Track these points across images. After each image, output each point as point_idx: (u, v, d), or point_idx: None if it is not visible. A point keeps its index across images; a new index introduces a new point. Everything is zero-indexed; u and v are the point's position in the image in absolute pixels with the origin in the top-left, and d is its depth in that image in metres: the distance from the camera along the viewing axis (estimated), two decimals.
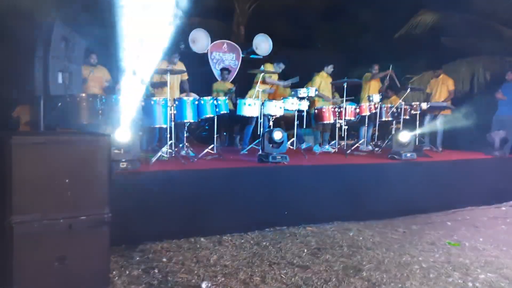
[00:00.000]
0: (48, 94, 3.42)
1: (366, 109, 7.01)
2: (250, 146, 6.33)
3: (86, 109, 5.18)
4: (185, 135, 5.65)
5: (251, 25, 10.92)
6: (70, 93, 4.27)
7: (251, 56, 9.72)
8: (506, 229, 4.95)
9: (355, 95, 8.06)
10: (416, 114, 7.12)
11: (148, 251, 3.69)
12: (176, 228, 4.07)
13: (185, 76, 6.67)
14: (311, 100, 7.23)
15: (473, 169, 6.28)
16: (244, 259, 3.58)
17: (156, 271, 3.26)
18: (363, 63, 9.11)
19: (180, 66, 6.39)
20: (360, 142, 7.32)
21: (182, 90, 6.73)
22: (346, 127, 6.79)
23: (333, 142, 7.18)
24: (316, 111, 7.02)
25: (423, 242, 4.26)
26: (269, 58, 8.76)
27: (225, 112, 5.76)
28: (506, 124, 7.16)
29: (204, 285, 3.01)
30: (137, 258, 3.52)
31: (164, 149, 5.03)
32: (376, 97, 7.04)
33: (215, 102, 5.60)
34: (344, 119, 6.71)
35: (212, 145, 5.71)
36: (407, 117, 7.11)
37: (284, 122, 7.70)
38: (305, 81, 7.83)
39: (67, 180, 2.61)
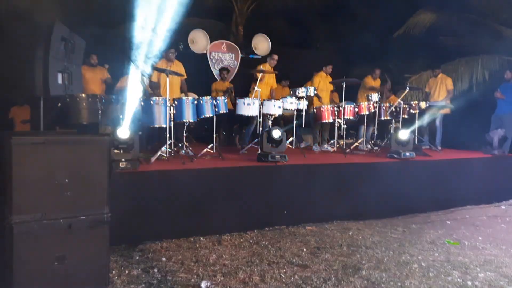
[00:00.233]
0: (47, 95, 3.42)
1: (365, 108, 7.04)
2: (249, 145, 6.34)
3: (86, 109, 5.21)
4: (184, 134, 5.65)
5: (250, 25, 10.92)
6: (70, 94, 4.27)
7: (250, 56, 9.74)
8: (505, 228, 4.96)
9: (354, 95, 8.07)
10: (415, 113, 7.15)
11: (147, 250, 3.70)
12: (176, 228, 4.08)
13: (183, 76, 6.67)
14: (310, 100, 7.25)
15: (472, 168, 6.28)
16: (243, 259, 3.59)
17: (155, 270, 3.27)
18: (362, 63, 9.12)
19: (178, 64, 6.39)
20: (359, 141, 7.35)
21: (180, 90, 6.73)
22: (345, 126, 6.81)
23: (332, 141, 7.20)
24: (315, 110, 7.04)
25: (423, 241, 4.27)
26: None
27: (224, 111, 5.77)
28: (504, 123, 7.16)
29: (203, 284, 3.02)
30: (137, 258, 3.52)
31: (164, 148, 5.04)
32: (375, 97, 7.07)
33: (214, 101, 5.62)
34: (343, 118, 6.74)
35: (211, 145, 5.73)
36: (406, 116, 7.14)
37: (283, 121, 7.70)
38: (304, 81, 7.84)
39: (67, 180, 2.62)
